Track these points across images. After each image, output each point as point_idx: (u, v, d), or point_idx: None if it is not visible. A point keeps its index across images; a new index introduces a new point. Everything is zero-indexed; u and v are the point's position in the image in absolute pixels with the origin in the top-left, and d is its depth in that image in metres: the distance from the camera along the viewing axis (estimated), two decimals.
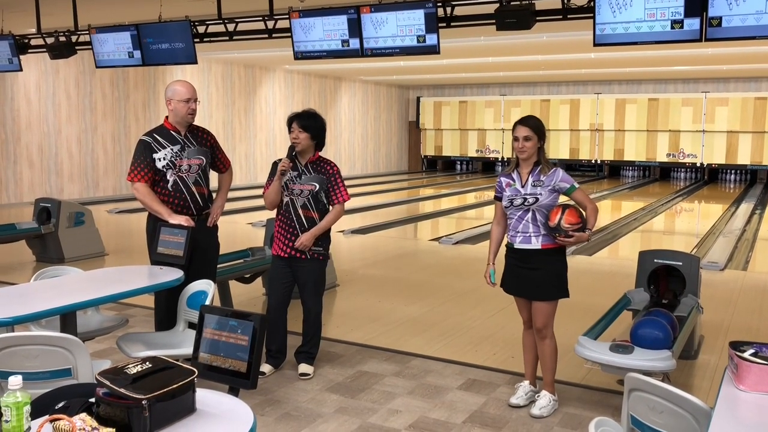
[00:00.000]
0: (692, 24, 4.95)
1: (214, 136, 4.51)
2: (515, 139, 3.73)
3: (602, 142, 21.20)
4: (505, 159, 22.33)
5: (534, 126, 3.71)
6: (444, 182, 20.32)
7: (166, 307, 4.12)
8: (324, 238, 4.28)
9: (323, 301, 4.44)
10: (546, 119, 21.34)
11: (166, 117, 4.30)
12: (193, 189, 4.29)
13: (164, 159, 4.19)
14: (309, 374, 4.25)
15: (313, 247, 4.22)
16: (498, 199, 3.85)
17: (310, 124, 4.19)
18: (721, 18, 4.81)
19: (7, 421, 1.74)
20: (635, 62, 16.10)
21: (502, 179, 3.82)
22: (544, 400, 3.78)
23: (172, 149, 4.21)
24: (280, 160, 4.30)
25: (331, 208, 4.31)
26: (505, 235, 3.90)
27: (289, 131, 4.22)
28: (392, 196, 15.94)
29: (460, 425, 3.61)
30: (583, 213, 3.64)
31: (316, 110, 4.33)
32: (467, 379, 4.26)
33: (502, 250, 3.93)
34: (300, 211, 4.20)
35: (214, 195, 4.52)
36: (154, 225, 4.22)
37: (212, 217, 4.41)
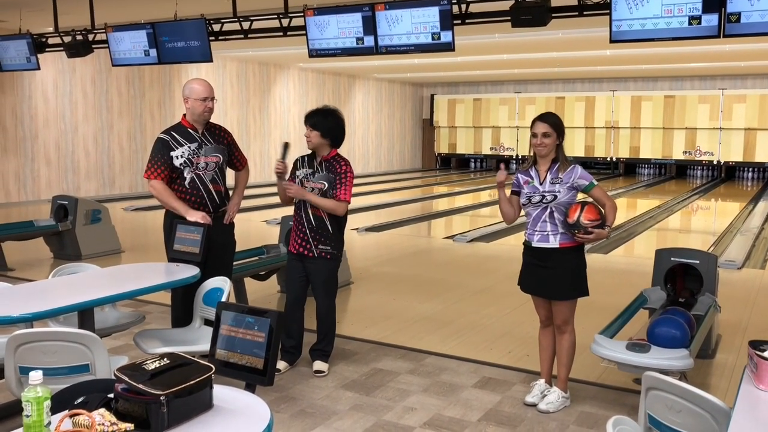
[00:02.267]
0: (710, 20, 4.89)
1: (231, 134, 4.54)
2: (533, 135, 3.70)
3: (618, 140, 21.06)
4: (520, 156, 22.26)
5: (553, 123, 3.69)
6: (458, 180, 20.27)
7: (183, 305, 4.15)
8: (333, 238, 4.25)
9: (337, 298, 4.44)
10: (561, 117, 21.06)
11: (184, 115, 4.32)
12: (210, 187, 4.31)
13: (182, 156, 4.21)
14: (324, 371, 4.26)
15: (320, 245, 4.21)
16: (514, 193, 3.83)
17: (318, 122, 4.18)
18: (740, 14, 4.76)
19: (27, 416, 1.76)
20: (651, 59, 15.96)
21: (520, 176, 3.80)
22: (553, 395, 3.77)
23: (189, 147, 4.23)
24: (302, 157, 4.32)
25: None
26: (510, 219, 3.87)
27: None
28: (406, 193, 15.92)
29: (476, 423, 3.60)
30: (602, 210, 3.62)
31: (333, 108, 4.31)
32: (482, 377, 4.25)
33: (520, 248, 3.91)
34: (309, 209, 4.20)
35: (230, 193, 4.54)
36: (171, 222, 4.24)
37: (229, 214, 4.43)
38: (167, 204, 4.23)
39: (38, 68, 9.16)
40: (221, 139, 4.41)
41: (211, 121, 4.38)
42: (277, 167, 4.16)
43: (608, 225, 3.60)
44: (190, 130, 4.28)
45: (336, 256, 4.30)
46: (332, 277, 4.35)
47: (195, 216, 4.15)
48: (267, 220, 10.48)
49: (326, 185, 4.19)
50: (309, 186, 4.19)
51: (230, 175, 4.53)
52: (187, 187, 4.25)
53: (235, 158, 4.53)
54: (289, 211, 4.50)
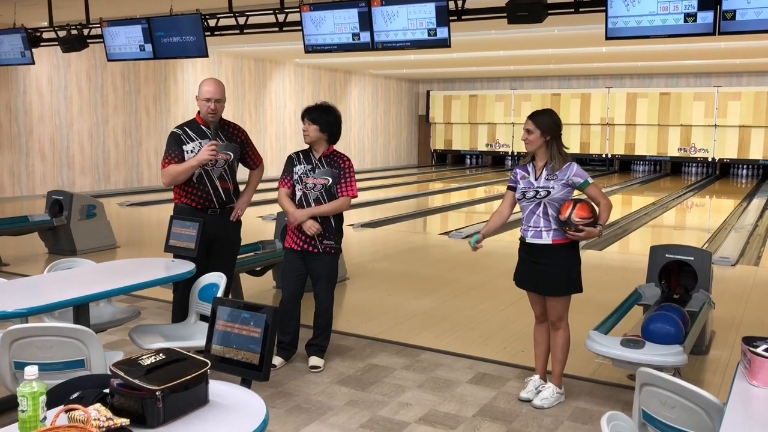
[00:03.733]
0: (706, 17, 4.90)
1: (245, 133, 4.55)
2: (523, 130, 3.78)
3: (613, 137, 21.08)
4: (515, 153, 22.28)
5: (539, 120, 3.71)
6: (453, 176, 20.28)
7: (182, 301, 4.19)
8: (335, 232, 4.29)
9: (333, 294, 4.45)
10: (557, 113, 21.17)
11: (198, 111, 4.36)
12: (217, 183, 4.32)
13: (192, 152, 4.24)
14: (319, 367, 4.26)
15: (325, 241, 4.24)
16: (511, 189, 3.85)
17: (317, 117, 4.20)
18: (735, 11, 4.76)
19: (23, 411, 1.76)
20: (647, 56, 15.98)
21: (518, 171, 3.83)
22: (548, 391, 3.78)
23: (200, 143, 4.26)
24: (297, 154, 4.32)
25: None
26: (503, 223, 3.95)
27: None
28: (402, 190, 15.93)
29: (470, 419, 3.61)
30: (596, 208, 3.63)
31: (331, 104, 4.32)
32: (477, 372, 4.27)
33: (515, 244, 3.92)
34: (313, 205, 4.21)
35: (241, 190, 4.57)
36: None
37: (236, 211, 4.44)
38: (183, 172, 4.18)
39: (33, 63, 9.12)
40: (234, 137, 4.43)
41: (226, 119, 4.42)
42: (211, 149, 4.14)
43: (600, 224, 3.62)
44: (203, 127, 4.31)
45: (338, 249, 4.36)
46: (334, 271, 4.40)
47: (204, 151, 4.13)
48: (262, 216, 10.48)
49: (330, 180, 4.21)
50: (310, 182, 4.20)
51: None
52: (195, 182, 4.27)
53: (248, 157, 4.54)
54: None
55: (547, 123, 3.72)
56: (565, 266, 3.72)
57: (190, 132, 4.28)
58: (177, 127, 4.34)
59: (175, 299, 4.37)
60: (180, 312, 4.23)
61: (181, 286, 4.13)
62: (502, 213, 3.92)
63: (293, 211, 4.21)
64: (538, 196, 3.67)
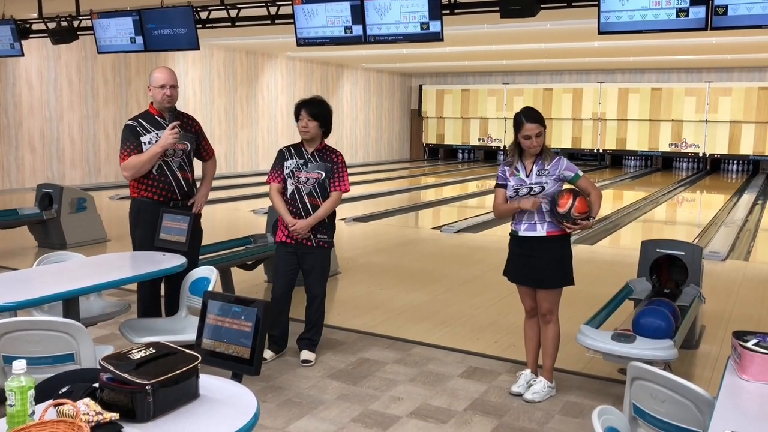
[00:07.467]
0: (698, 12, 4.91)
1: (199, 123, 4.52)
2: (527, 137, 3.65)
3: (605, 132, 21.13)
4: (507, 148, 22.26)
5: (541, 119, 3.69)
6: (446, 171, 20.28)
7: (151, 296, 4.21)
8: (329, 227, 4.30)
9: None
10: (548, 108, 21.27)
11: (151, 103, 4.31)
12: (178, 174, 4.28)
13: (150, 142, 4.18)
14: (311, 361, 4.26)
15: (319, 235, 4.23)
16: (500, 186, 3.84)
17: (319, 112, 4.20)
18: (727, 6, 4.78)
19: (11, 406, 1.74)
20: (639, 51, 16.01)
21: (505, 168, 3.82)
22: (539, 385, 3.80)
23: (157, 134, 4.20)
24: (288, 148, 4.31)
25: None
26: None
27: (297, 119, 4.22)
28: (394, 184, 15.92)
29: (462, 413, 3.62)
30: (590, 201, 3.66)
31: (322, 97, 4.32)
32: (468, 367, 4.27)
33: (507, 239, 3.93)
34: (306, 199, 4.20)
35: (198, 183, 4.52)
36: (138, 209, 4.26)
37: (197, 204, 4.39)
38: (147, 161, 4.12)
39: (22, 55, 9.05)
40: (189, 127, 4.39)
41: (180, 109, 4.37)
42: (174, 131, 4.12)
43: (593, 216, 3.64)
44: (158, 117, 4.25)
45: (331, 243, 4.37)
46: (327, 265, 4.42)
47: (166, 135, 4.08)
48: (254, 210, 10.45)
49: (323, 175, 4.22)
50: (303, 176, 4.19)
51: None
52: (155, 173, 4.21)
53: (202, 148, 4.50)
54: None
55: (543, 119, 3.72)
56: (559, 258, 3.74)
57: (145, 123, 4.22)
58: (131, 120, 4.27)
59: (141, 295, 4.33)
60: (147, 307, 4.24)
61: (149, 282, 4.13)
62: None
63: (295, 223, 4.16)
64: (531, 193, 3.68)
